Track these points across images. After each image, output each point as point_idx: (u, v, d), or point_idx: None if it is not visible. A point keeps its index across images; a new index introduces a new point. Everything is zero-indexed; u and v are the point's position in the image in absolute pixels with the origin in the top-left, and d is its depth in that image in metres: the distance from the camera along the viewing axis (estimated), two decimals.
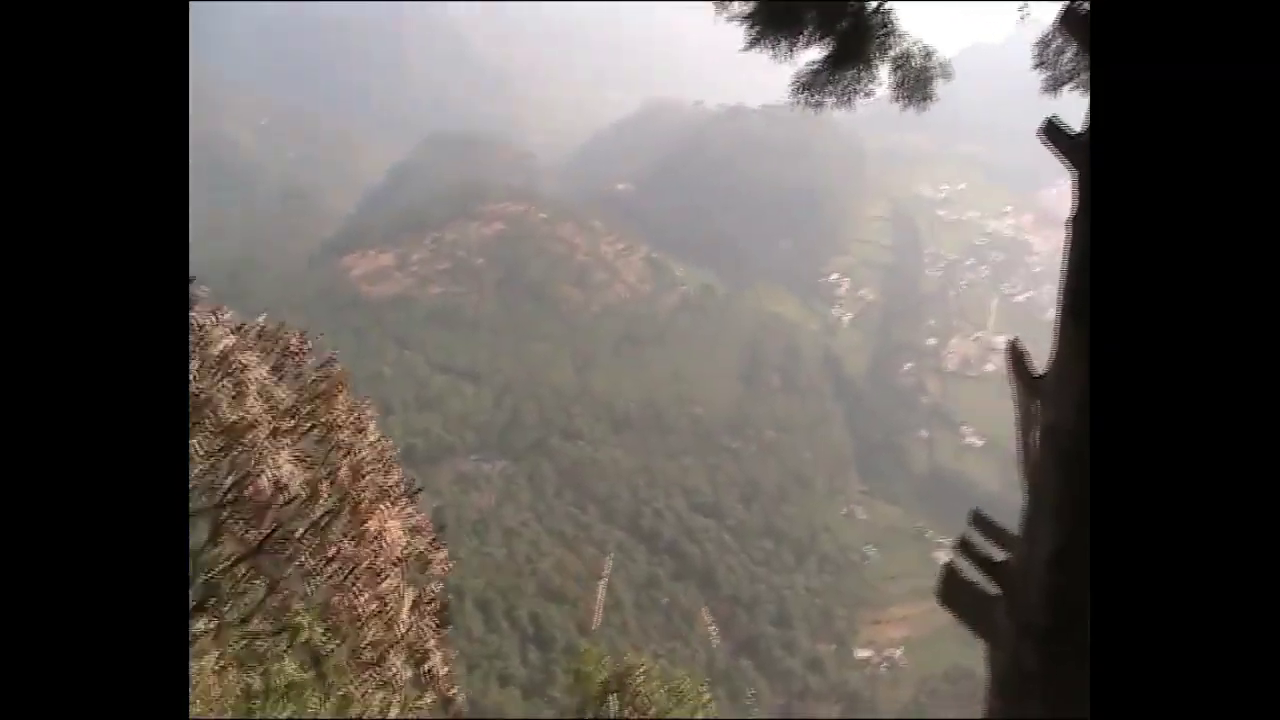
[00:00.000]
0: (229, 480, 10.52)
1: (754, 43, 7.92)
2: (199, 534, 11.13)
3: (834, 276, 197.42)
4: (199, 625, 10.08)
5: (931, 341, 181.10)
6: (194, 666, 9.56)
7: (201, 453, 10.30)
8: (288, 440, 10.16)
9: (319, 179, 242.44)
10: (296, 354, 11.76)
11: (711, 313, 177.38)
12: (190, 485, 11.01)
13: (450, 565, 10.43)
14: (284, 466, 9.72)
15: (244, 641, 10.29)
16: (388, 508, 9.53)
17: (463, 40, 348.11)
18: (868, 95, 7.80)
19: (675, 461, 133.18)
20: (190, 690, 9.30)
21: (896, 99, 7.98)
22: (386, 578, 9.35)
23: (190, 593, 10.64)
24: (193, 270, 12.76)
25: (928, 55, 7.92)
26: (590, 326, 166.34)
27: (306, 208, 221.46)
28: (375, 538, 9.28)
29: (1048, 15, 6.18)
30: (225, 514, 10.82)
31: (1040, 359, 5.19)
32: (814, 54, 7.77)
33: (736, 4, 7.95)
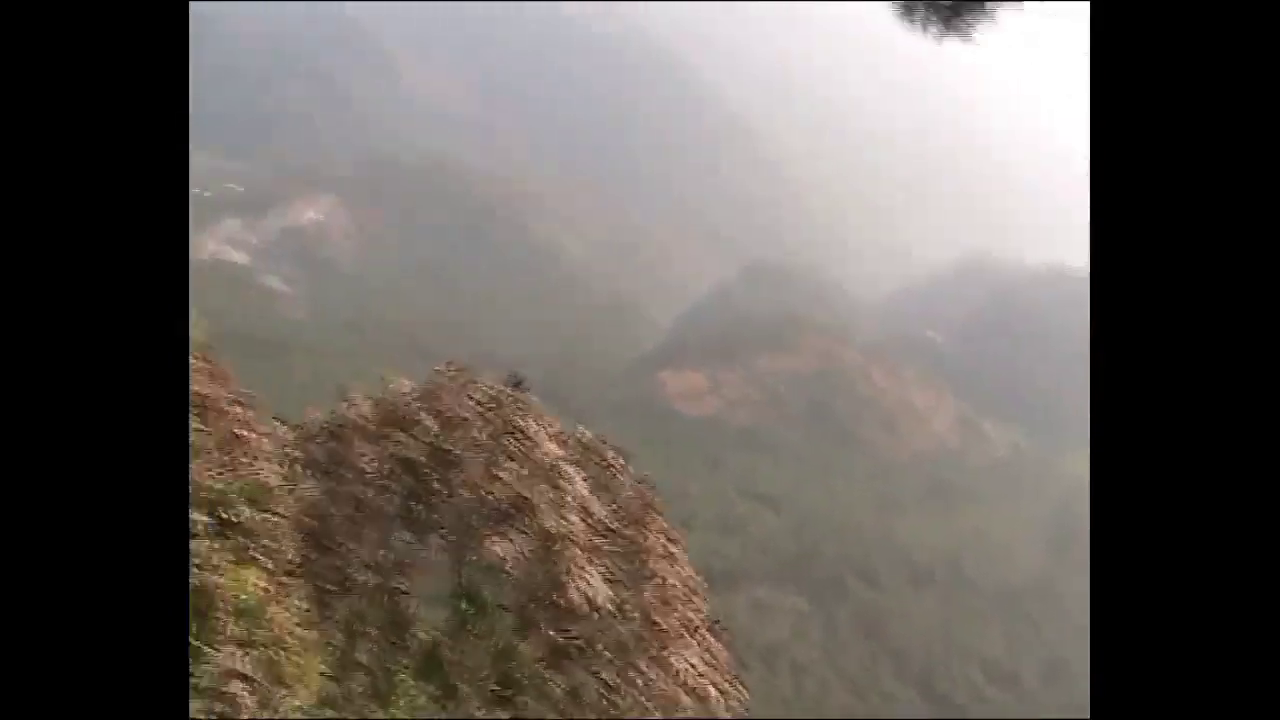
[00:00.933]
0: (541, 582, 11.12)
1: None
2: (505, 625, 11.77)
3: None
4: (499, 716, 10.58)
5: None
6: None
7: (519, 554, 10.98)
8: (600, 556, 10.67)
9: (639, 290, 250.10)
10: (613, 469, 12.39)
11: (1021, 474, 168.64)
12: (505, 581, 11.71)
13: (746, 702, 10.47)
14: (594, 581, 10.20)
15: None
16: (691, 639, 9.75)
17: (784, 171, 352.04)
18: None
19: (974, 625, 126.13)
20: None
21: None
22: (682, 707, 9.52)
23: (490, 683, 11.23)
24: (515, 366, 13.66)
25: None
26: (896, 472, 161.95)
27: (626, 318, 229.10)
28: (676, 668, 9.49)
29: None
30: (534, 613, 11.43)
31: None
32: None
33: None
